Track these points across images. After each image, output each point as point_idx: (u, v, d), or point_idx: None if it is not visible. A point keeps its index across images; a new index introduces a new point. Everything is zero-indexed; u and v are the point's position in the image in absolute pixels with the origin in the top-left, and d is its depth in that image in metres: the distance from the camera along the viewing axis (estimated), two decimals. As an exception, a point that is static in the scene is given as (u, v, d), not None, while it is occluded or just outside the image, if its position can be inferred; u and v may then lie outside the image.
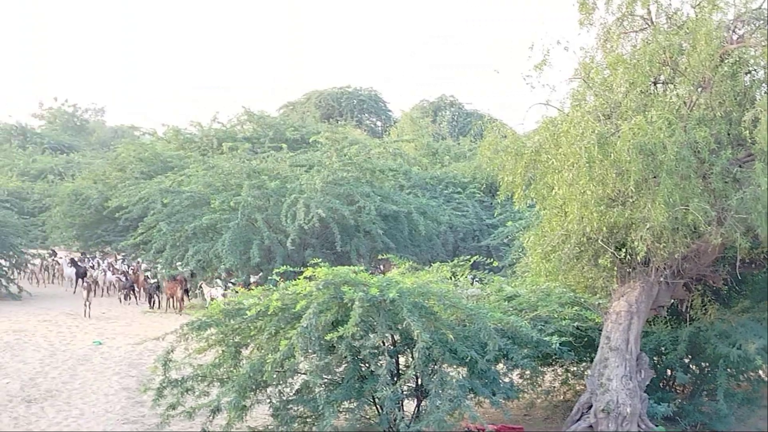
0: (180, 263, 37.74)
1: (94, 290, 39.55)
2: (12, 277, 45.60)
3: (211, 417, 19.58)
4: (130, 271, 44.60)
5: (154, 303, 40.54)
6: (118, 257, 50.13)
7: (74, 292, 45.68)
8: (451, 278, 22.12)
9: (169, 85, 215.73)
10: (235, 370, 19.61)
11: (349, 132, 54.27)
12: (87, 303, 37.60)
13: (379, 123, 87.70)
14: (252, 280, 35.96)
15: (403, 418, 18.99)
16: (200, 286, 39.79)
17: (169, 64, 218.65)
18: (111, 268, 44.95)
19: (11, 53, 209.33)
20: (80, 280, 46.04)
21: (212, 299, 36.50)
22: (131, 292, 42.98)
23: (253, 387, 19.39)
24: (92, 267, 47.39)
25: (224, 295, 35.82)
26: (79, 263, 47.95)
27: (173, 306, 39.32)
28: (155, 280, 41.11)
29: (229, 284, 37.15)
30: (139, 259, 48.12)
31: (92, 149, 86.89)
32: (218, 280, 38.43)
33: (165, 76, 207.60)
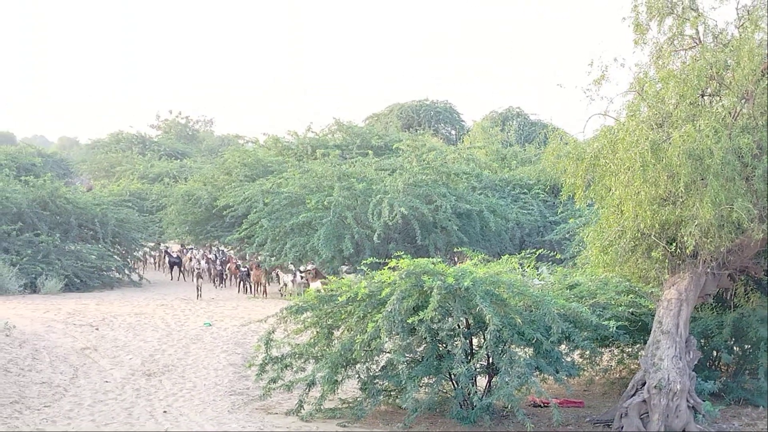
0: (278, 255, 38.10)
1: (201, 276, 40.31)
2: (134, 266, 46.36)
3: (307, 390, 19.87)
4: (218, 261, 45.22)
5: (247, 288, 41.14)
6: (212, 248, 50.75)
7: (170, 279, 46.95)
8: (518, 269, 22.10)
9: (267, 98, 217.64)
10: (328, 349, 19.86)
11: (427, 140, 54.10)
12: (198, 287, 38.73)
13: (453, 132, 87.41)
14: (344, 269, 36.29)
15: (476, 392, 19.06)
16: (276, 273, 40.52)
17: (268, 80, 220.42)
18: (205, 258, 45.54)
19: (133, 73, 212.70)
20: (175, 267, 47.76)
21: (284, 284, 38.68)
22: (220, 277, 43.76)
23: (344, 364, 19.61)
24: (190, 258, 48.18)
25: (293, 281, 37.33)
26: (172, 254, 49.09)
27: (257, 291, 39.93)
28: (245, 268, 41.74)
29: (298, 271, 37.53)
30: (223, 249, 49.74)
31: (202, 155, 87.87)
32: (291, 266, 38.79)
33: (264, 91, 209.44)
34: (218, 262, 44.96)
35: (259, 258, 40.68)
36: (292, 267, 38.81)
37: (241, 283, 41.74)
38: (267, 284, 39.77)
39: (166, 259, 49.53)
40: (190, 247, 52.02)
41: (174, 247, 53.72)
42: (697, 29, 19.43)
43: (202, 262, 44.52)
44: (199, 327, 30.22)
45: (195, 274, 41.99)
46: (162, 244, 53.52)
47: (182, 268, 47.90)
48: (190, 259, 47.90)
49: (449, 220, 36.99)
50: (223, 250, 49.81)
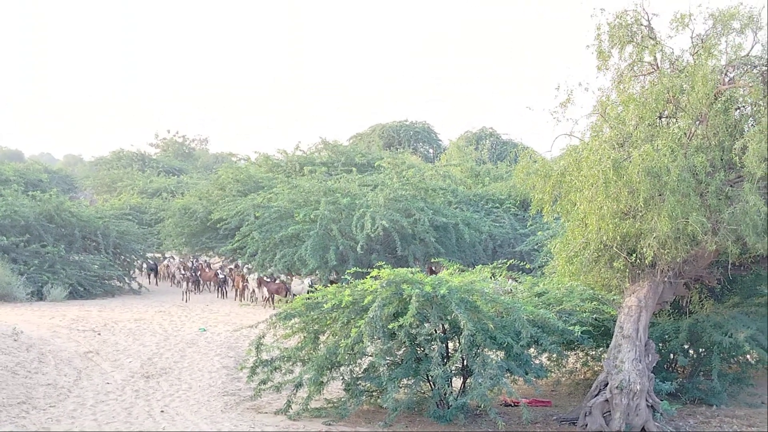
0: (269, 265, 38.10)
1: (188, 281, 41.73)
2: (133, 275, 46.18)
3: (294, 391, 19.80)
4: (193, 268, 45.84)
5: (224, 293, 42.05)
6: (191, 257, 51.22)
7: (149, 283, 46.59)
8: (490, 278, 22.11)
9: (259, 119, 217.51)
10: (314, 353, 19.80)
11: (406, 158, 54.20)
12: (185, 291, 40.18)
13: (431, 150, 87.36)
14: (332, 278, 36.26)
15: (452, 393, 19.06)
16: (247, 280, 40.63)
17: (257, 104, 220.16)
18: (183, 266, 46.11)
19: (131, 95, 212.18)
20: (152, 273, 48.21)
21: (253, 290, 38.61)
22: (196, 284, 43.97)
23: (329, 366, 19.56)
24: (167, 266, 49.35)
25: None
26: (150, 261, 49.12)
27: (241, 296, 40.09)
28: (223, 276, 42.40)
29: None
30: (205, 258, 50.78)
31: (198, 172, 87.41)
32: (274, 275, 38.91)
33: (256, 113, 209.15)
34: (192, 269, 45.51)
35: (239, 267, 41.09)
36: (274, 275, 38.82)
37: (219, 288, 42.63)
38: (252, 290, 39.58)
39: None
40: (168, 255, 52.22)
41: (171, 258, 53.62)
42: (655, 56, 19.53)
43: (175, 269, 45.81)
44: (194, 332, 30.05)
45: (176, 280, 43.73)
46: (155, 255, 53.35)
47: (158, 275, 48.67)
48: (167, 267, 48.89)
49: (427, 232, 36.99)
50: (197, 258, 50.27)
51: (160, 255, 53.64)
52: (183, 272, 44.25)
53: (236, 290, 40.75)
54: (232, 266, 46.22)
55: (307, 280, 36.24)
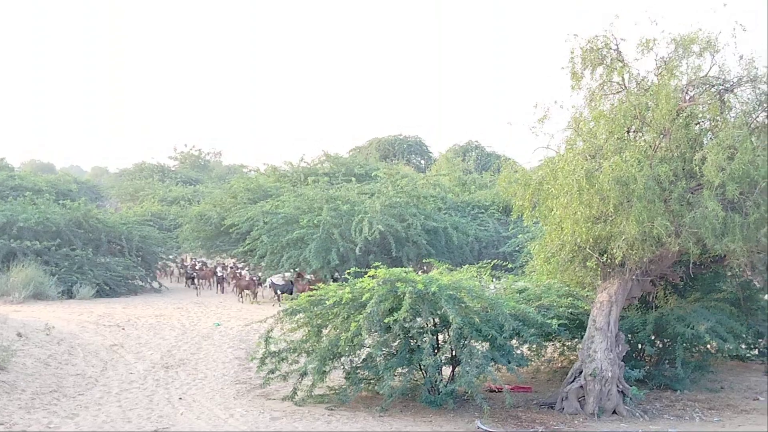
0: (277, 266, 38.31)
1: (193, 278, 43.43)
2: (154, 275, 46.22)
3: (300, 379, 19.78)
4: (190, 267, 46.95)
5: (222, 290, 43.18)
6: (192, 258, 52.33)
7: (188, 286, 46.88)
8: (476, 276, 22.12)
9: (267, 135, 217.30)
10: (317, 345, 19.77)
11: (400, 168, 54.26)
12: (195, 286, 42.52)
13: (423, 161, 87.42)
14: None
15: (442, 380, 19.09)
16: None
17: (265, 120, 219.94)
18: (182, 265, 47.05)
19: (155, 111, 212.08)
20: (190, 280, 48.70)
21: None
22: (192, 281, 45.06)
23: (331, 357, 19.53)
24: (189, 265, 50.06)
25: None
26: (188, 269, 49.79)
27: (242, 295, 40.05)
28: (221, 274, 43.47)
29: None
30: (203, 260, 51.52)
31: (212, 182, 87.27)
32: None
33: (265, 130, 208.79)
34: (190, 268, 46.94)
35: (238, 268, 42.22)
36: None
37: (218, 285, 43.97)
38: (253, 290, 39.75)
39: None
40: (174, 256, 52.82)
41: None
42: (623, 77, 19.55)
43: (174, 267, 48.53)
44: (209, 327, 30.08)
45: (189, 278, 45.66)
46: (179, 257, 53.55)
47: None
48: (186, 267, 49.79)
49: (419, 236, 37.05)
50: (202, 260, 50.94)
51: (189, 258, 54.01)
52: (189, 271, 45.28)
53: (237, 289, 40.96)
54: (230, 265, 47.56)
55: (286, 275, 37.40)
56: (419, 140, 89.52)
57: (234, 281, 40.29)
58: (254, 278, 39.19)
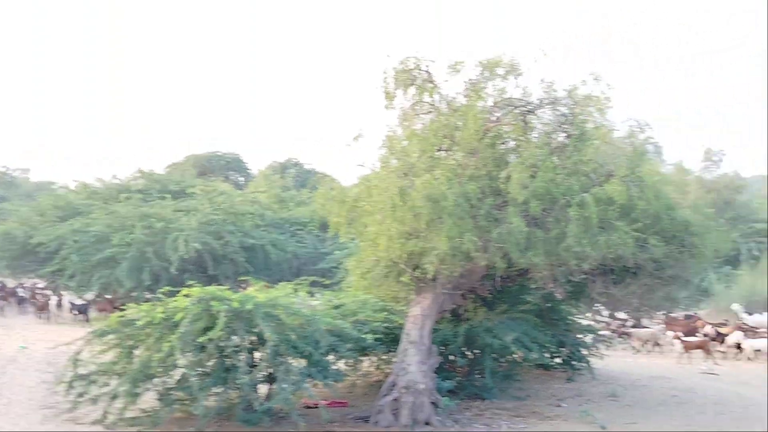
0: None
1: None
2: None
3: (110, 402, 18.99)
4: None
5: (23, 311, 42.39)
6: None
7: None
8: (293, 293, 22.04)
9: (77, 147, 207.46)
10: (128, 366, 19.05)
11: (218, 185, 53.40)
12: None
13: (241, 178, 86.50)
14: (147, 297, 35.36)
15: (258, 398, 18.81)
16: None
17: (76, 131, 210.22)
18: None
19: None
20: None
21: None
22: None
23: (143, 378, 18.84)
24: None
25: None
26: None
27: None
28: (22, 295, 42.76)
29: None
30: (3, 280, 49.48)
31: (19, 199, 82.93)
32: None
33: (73, 140, 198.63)
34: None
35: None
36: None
37: (18, 305, 43.24)
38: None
39: None
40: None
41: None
42: (433, 97, 20.07)
43: None
44: (14, 350, 28.47)
45: None
46: None
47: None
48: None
49: (237, 253, 36.73)
50: (1, 281, 48.81)
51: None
52: None
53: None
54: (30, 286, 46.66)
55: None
56: (237, 157, 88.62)
57: (34, 302, 39.02)
58: (49, 299, 37.87)
